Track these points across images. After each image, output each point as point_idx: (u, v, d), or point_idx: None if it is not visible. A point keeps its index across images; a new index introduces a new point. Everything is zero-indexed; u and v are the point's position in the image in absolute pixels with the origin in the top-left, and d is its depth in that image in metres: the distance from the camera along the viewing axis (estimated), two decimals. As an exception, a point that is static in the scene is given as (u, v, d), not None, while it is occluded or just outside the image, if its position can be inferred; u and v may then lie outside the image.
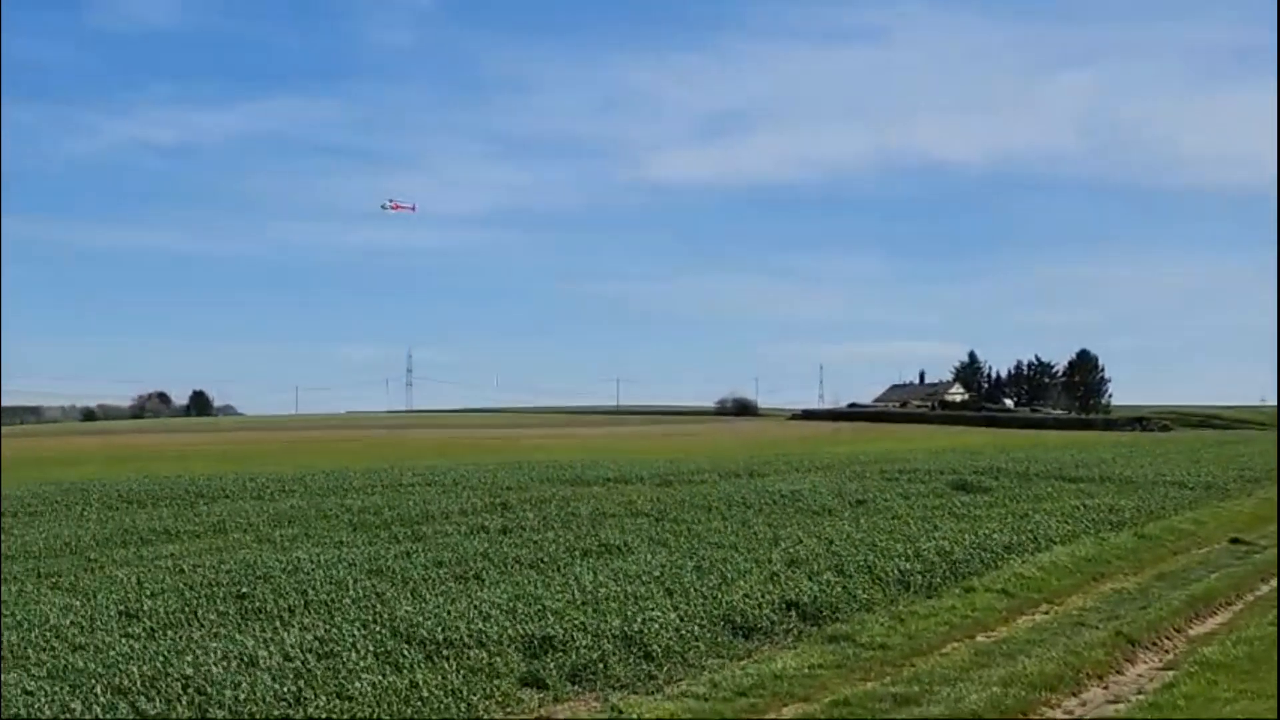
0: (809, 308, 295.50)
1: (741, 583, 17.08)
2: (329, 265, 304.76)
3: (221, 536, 24.73)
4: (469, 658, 12.95)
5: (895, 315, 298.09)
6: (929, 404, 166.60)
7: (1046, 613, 17.42)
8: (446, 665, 12.68)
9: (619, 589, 16.38)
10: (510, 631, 13.85)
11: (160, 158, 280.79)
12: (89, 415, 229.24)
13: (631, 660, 13.38)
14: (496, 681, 12.39)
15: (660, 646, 13.78)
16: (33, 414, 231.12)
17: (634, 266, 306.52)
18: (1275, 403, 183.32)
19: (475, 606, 15.14)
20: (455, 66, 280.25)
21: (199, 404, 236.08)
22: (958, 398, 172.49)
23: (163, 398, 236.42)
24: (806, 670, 13.31)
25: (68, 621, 14.87)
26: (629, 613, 14.84)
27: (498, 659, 12.95)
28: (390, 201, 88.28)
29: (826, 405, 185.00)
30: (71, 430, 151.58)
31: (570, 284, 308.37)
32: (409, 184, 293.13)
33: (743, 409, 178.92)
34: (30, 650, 13.44)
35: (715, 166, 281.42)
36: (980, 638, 15.43)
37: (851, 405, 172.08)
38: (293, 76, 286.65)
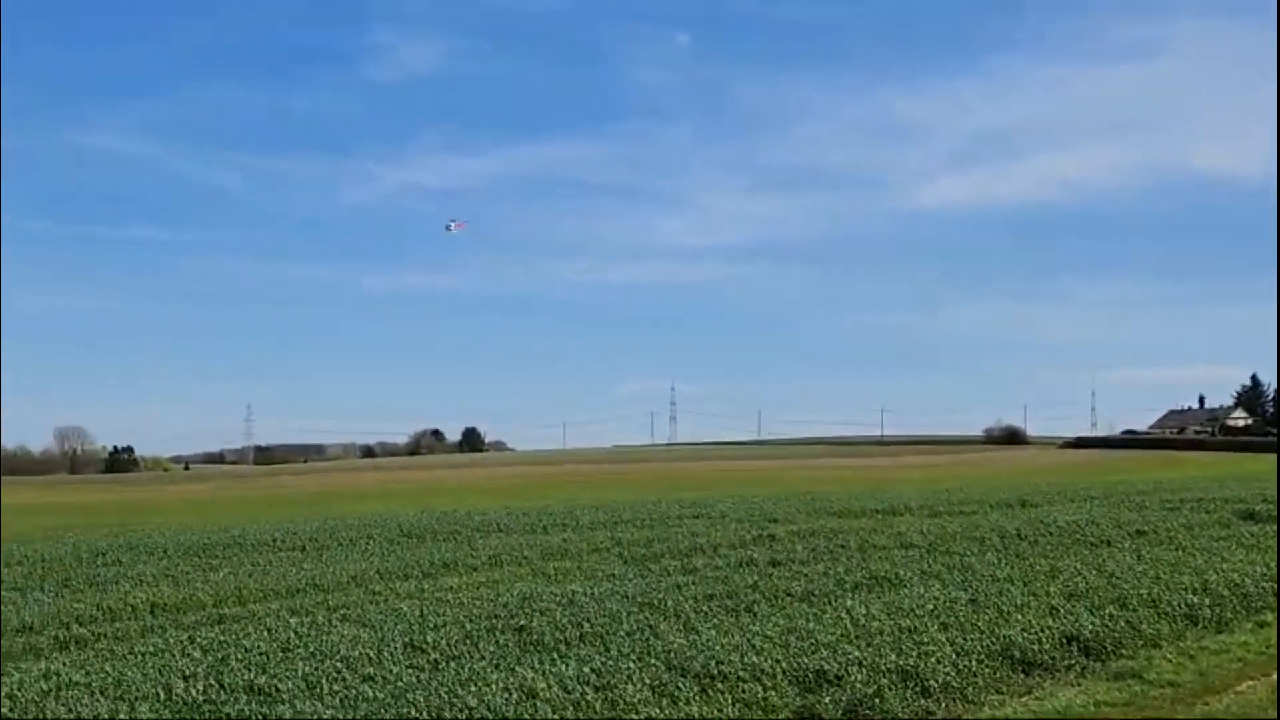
0: (1078, 333, 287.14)
1: (1019, 616, 16.67)
2: (594, 302, 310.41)
3: (498, 569, 25.41)
4: (743, 691, 12.98)
5: (1170, 338, 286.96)
6: (1209, 430, 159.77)
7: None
8: (721, 699, 12.74)
9: (892, 623, 16.18)
10: (784, 665, 13.82)
11: (430, 201, 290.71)
12: (368, 452, 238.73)
13: (909, 695, 13.20)
14: (772, 715, 12.39)
15: (938, 681, 13.56)
16: (316, 451, 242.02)
17: (897, 295, 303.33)
18: None
19: (748, 639, 15.17)
20: (714, 102, 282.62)
21: (471, 440, 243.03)
22: (1240, 423, 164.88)
23: (437, 434, 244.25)
24: (1092, 707, 12.93)
25: (357, 653, 15.47)
26: (904, 647, 14.64)
27: (772, 693, 12.95)
28: (453, 222, 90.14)
29: (1099, 433, 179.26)
30: (352, 467, 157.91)
31: (832, 314, 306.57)
32: (670, 220, 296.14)
33: (1011, 437, 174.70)
34: (324, 681, 14.02)
35: (979, 191, 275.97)
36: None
37: (1126, 432, 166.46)
38: (555, 119, 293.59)
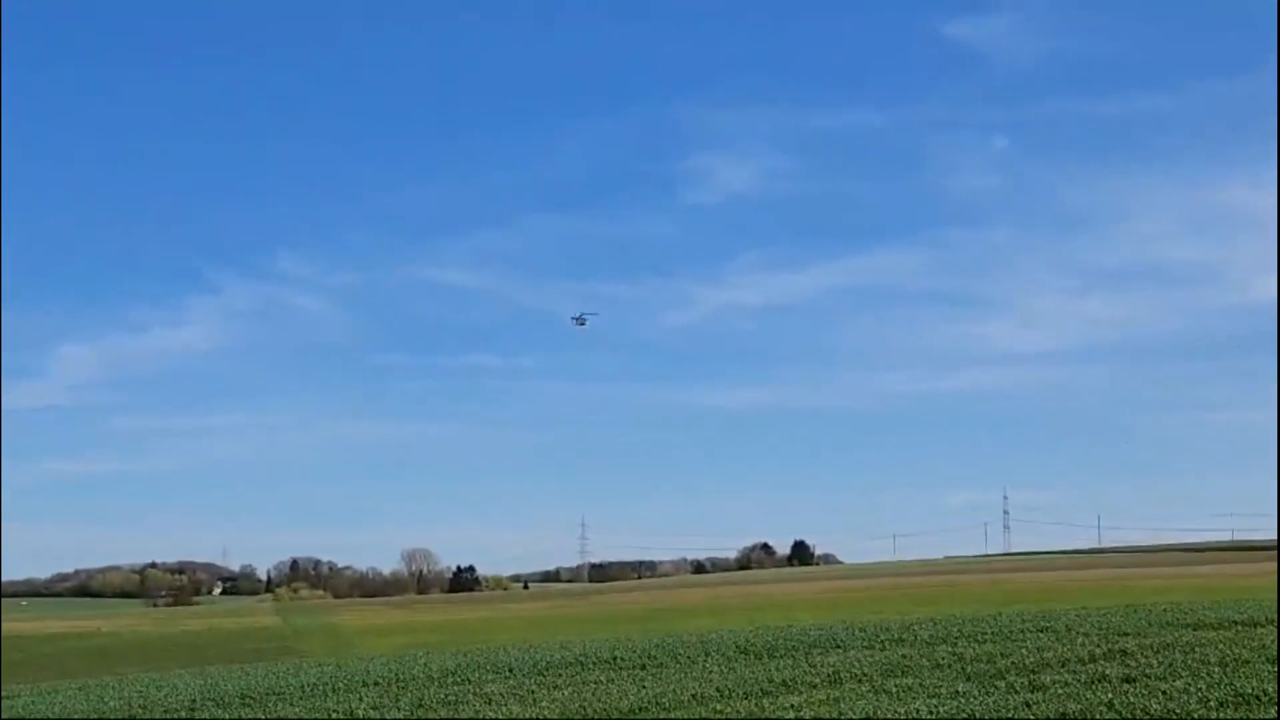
0: None
1: None
2: (922, 411, 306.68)
3: (837, 687, 25.01)
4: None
5: None
6: None
7: None
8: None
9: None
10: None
11: (752, 319, 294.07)
12: (699, 568, 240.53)
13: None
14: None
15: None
16: (648, 568, 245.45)
17: (1241, 392, 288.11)
18: None
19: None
20: (1035, 203, 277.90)
21: (800, 554, 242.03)
22: None
23: (766, 549, 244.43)
24: None
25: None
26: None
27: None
28: (582, 316, 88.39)
29: None
30: (683, 583, 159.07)
31: (1170, 415, 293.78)
32: (996, 324, 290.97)
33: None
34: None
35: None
36: None
37: None
38: (874, 230, 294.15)
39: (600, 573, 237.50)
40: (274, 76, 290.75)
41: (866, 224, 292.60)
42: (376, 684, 31.20)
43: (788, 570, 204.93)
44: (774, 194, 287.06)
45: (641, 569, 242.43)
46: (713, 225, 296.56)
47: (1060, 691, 21.54)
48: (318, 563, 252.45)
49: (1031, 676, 24.18)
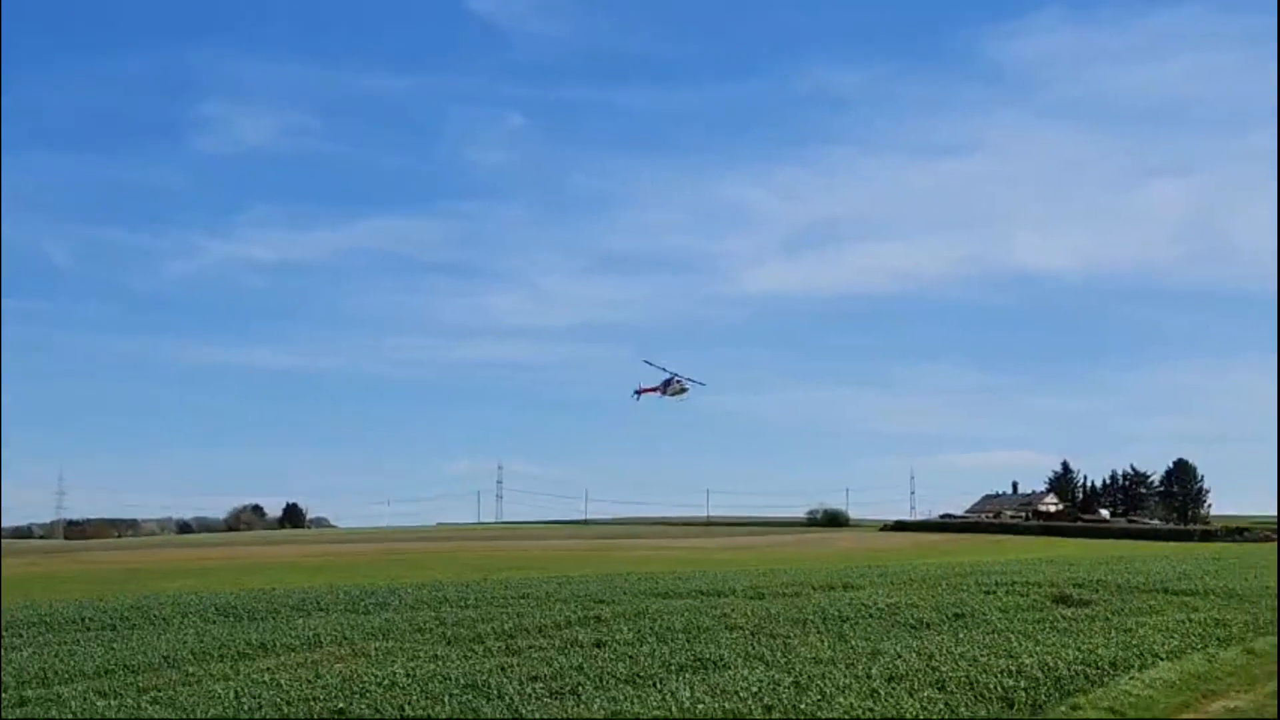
0: (900, 419, 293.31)
1: (841, 699, 16.81)
2: (425, 379, 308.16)
3: (317, 650, 24.78)
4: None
5: (987, 426, 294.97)
6: (1023, 515, 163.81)
7: (1158, 732, 16.95)
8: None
9: (717, 705, 16.18)
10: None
11: (261, 275, 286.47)
12: (184, 528, 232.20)
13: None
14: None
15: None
16: (130, 527, 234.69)
17: (725, 379, 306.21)
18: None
19: (572, 723, 15.02)
20: (548, 184, 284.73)
21: (292, 516, 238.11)
22: (1052, 508, 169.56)
23: (257, 510, 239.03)
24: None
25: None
26: (728, 731, 14.63)
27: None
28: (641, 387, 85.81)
29: (918, 516, 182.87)
30: (168, 543, 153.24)
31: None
32: (504, 299, 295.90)
33: (833, 520, 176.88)
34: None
35: (808, 278, 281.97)
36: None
37: (944, 516, 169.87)
38: (390, 196, 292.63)
39: (77, 530, 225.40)
40: None
41: (383, 189, 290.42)
42: None
43: (278, 533, 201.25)
44: (291, 150, 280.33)
45: (122, 527, 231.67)
46: (224, 176, 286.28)
47: (535, 655, 22.18)
48: None
49: (509, 641, 24.80)
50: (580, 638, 24.87)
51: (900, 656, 21.06)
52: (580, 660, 21.09)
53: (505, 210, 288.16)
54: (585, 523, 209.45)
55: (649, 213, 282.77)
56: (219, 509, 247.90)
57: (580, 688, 18.35)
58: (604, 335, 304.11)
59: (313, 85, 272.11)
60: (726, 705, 16.19)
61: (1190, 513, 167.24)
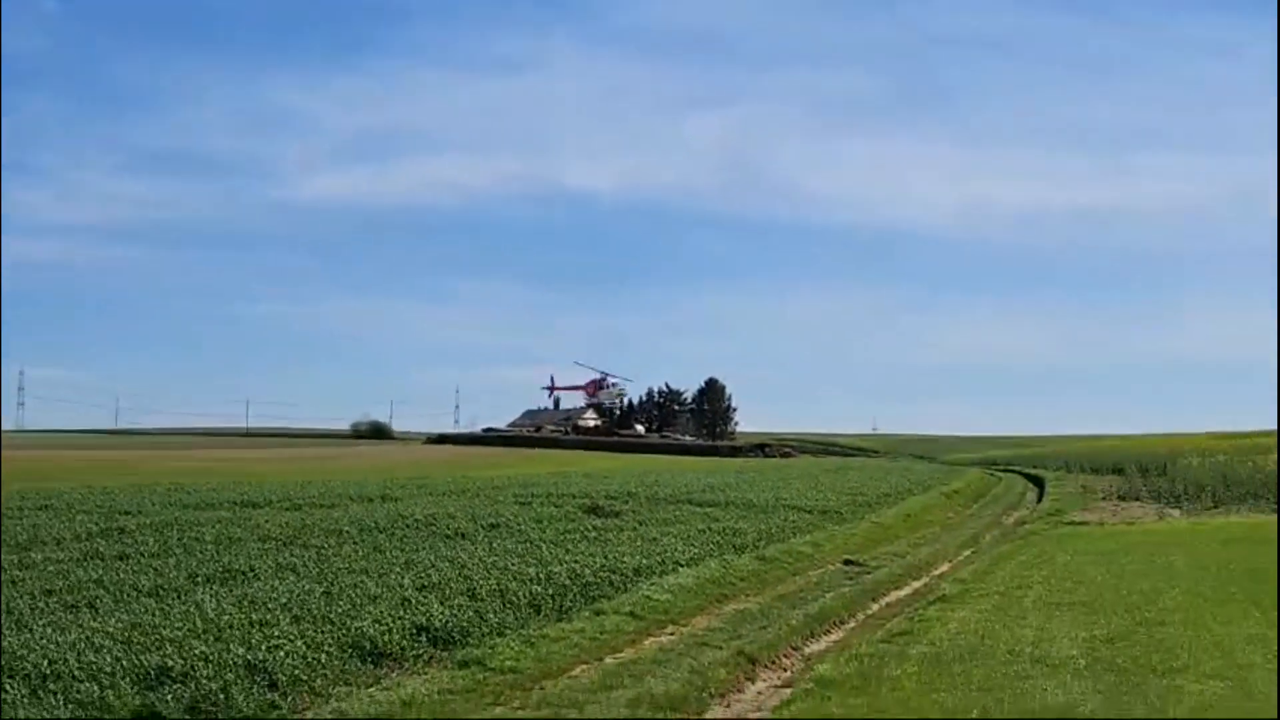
0: (446, 332, 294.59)
1: (372, 608, 16.80)
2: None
3: None
4: (78, 691, 12.25)
5: (533, 342, 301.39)
6: (563, 429, 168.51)
7: (673, 634, 17.84)
8: (53, 700, 11.97)
9: (243, 616, 15.85)
10: (125, 663, 13.18)
11: None
12: None
13: (255, 690, 12.93)
14: (109, 715, 11.77)
15: (286, 675, 13.37)
16: None
17: (271, 287, 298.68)
18: (884, 431, 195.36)
19: (86, 637, 14.37)
20: (85, 75, 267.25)
21: None
22: (591, 423, 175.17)
23: None
24: (436, 695, 13.20)
25: None
26: (253, 641, 14.36)
27: (110, 692, 12.30)
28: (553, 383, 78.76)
29: (461, 429, 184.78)
30: None
31: (203, 302, 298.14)
32: (32, 194, 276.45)
33: (377, 432, 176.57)
34: None
35: (360, 188, 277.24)
36: (609, 659, 15.65)
37: (487, 430, 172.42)
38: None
39: None
40: None
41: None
42: None
43: None
44: None
45: None
46: None
47: (49, 569, 21.03)
48: None
49: (22, 554, 23.36)
50: (102, 550, 23.77)
51: (434, 566, 21.28)
52: (100, 573, 20.15)
53: (36, 101, 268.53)
54: (117, 432, 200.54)
55: (195, 111, 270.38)
56: None
57: (98, 601, 17.55)
58: (141, 236, 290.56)
59: None
60: (254, 616, 15.88)
61: (719, 429, 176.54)
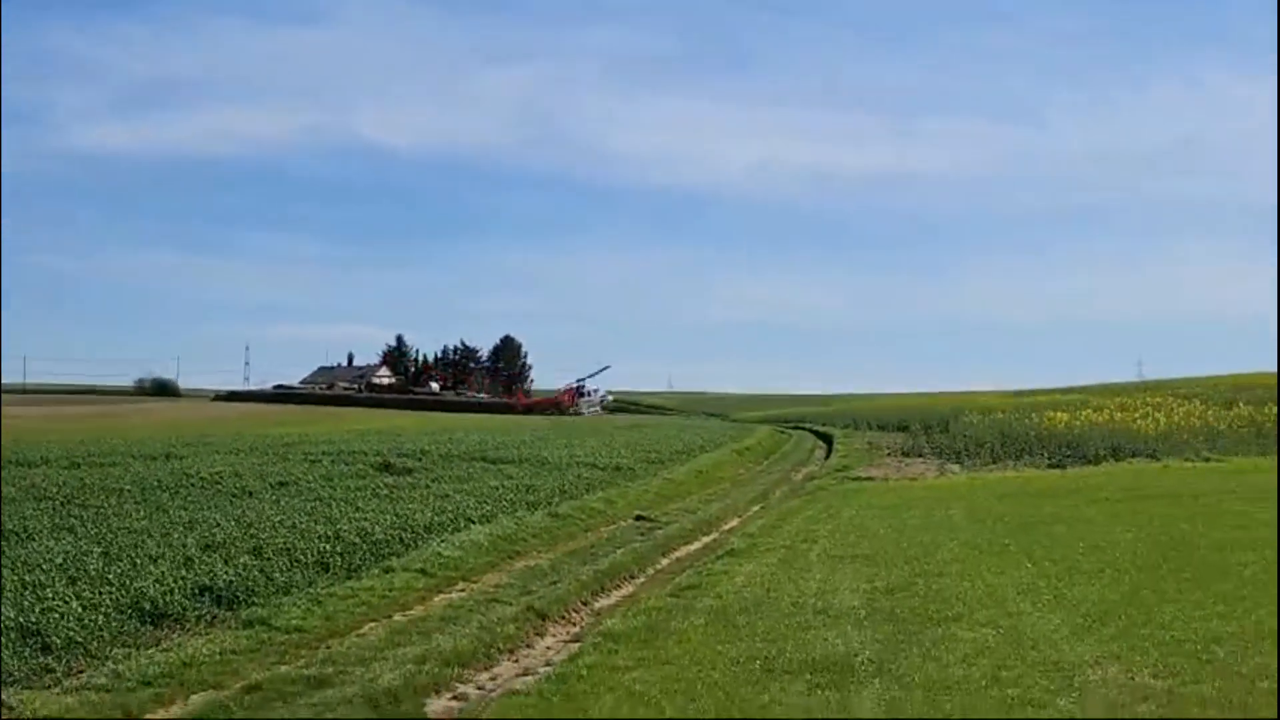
0: (236, 287, 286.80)
1: (153, 569, 16.40)
2: None
3: None
4: None
5: (326, 298, 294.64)
6: (356, 386, 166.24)
7: (463, 590, 17.85)
8: None
9: (16, 578, 15.32)
10: (-114, 628, 12.64)
11: None
12: None
13: (28, 654, 12.54)
14: None
15: (60, 638, 12.98)
16: None
17: (49, 239, 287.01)
18: (679, 389, 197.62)
19: None
20: None
21: None
22: (385, 380, 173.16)
23: None
24: (219, 656, 12.98)
25: None
26: (25, 603, 13.90)
27: None
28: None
29: (252, 387, 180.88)
30: None
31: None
32: None
33: (162, 389, 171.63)
34: None
35: (143, 138, 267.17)
36: (398, 617, 15.58)
37: (278, 387, 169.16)
38: None
39: None
40: None
41: None
42: None
43: None
44: None
45: None
46: None
47: None
48: None
49: None
50: None
51: (219, 525, 20.85)
52: None
53: None
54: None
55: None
56: None
57: None
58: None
59: None
60: (27, 578, 15.36)
61: (514, 387, 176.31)
